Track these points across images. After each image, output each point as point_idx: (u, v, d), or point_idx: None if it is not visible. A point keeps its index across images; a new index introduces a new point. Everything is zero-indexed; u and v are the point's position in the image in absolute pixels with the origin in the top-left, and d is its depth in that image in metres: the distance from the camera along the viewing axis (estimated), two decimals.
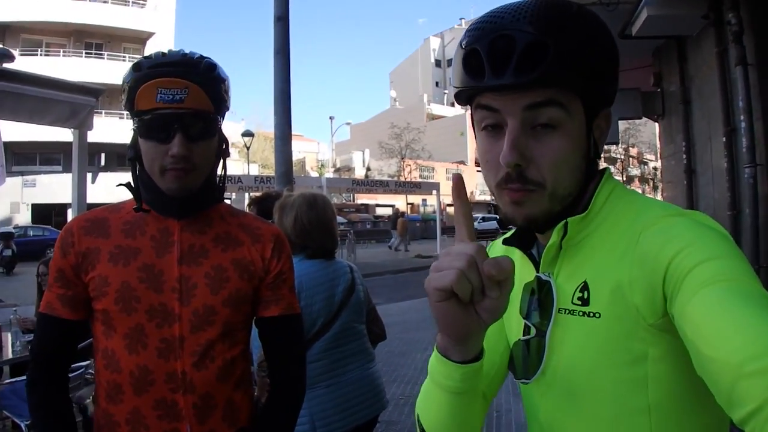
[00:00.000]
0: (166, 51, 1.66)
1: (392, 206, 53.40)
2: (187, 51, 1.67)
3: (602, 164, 1.20)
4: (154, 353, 1.64)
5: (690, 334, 0.84)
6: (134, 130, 1.64)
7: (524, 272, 1.20)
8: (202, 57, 1.67)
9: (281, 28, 8.27)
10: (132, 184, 1.73)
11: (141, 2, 40.51)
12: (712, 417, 1.00)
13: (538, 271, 1.17)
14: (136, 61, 1.63)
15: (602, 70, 1.05)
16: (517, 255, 1.21)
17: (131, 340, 1.63)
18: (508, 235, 1.23)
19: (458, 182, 0.94)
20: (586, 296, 1.06)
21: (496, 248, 1.34)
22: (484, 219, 47.76)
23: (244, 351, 1.84)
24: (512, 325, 1.25)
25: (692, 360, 0.85)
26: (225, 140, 1.78)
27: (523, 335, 1.19)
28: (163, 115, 1.57)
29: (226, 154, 1.81)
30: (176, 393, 1.65)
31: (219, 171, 1.81)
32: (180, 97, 1.56)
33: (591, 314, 1.04)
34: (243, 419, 1.79)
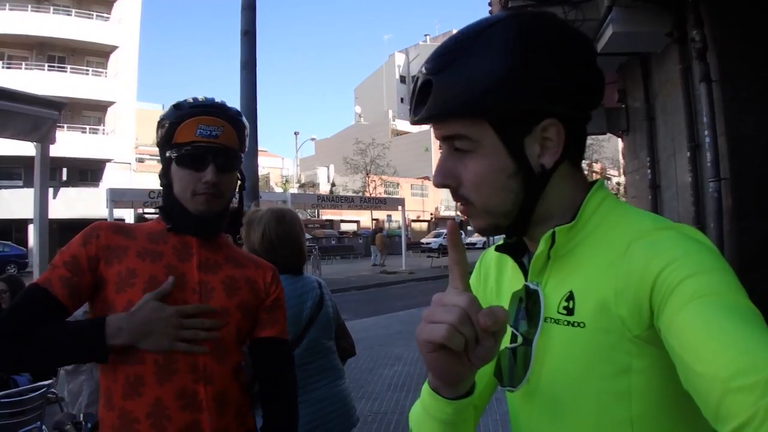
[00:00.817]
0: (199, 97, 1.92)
1: (357, 222, 53.47)
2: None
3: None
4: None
5: (677, 348, 0.84)
6: (168, 159, 1.85)
7: (514, 280, 1.22)
8: (228, 106, 1.95)
9: (248, 42, 8.24)
10: (164, 207, 1.93)
11: (105, 15, 40.20)
12: (696, 429, 0.98)
13: (526, 280, 1.17)
14: (177, 103, 1.88)
15: (505, 92, 1.02)
16: (509, 262, 1.24)
17: None
18: (501, 242, 1.24)
19: (453, 229, 0.98)
20: (571, 306, 1.06)
21: (489, 255, 1.37)
22: None
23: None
24: None
25: (679, 374, 0.85)
26: (243, 176, 2.02)
27: (510, 343, 1.18)
28: (200, 147, 1.81)
29: (242, 188, 2.05)
30: (197, 384, 1.75)
31: (233, 203, 2.04)
32: (216, 133, 1.82)
33: (576, 324, 1.04)
34: (249, 424, 1.92)
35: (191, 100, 1.88)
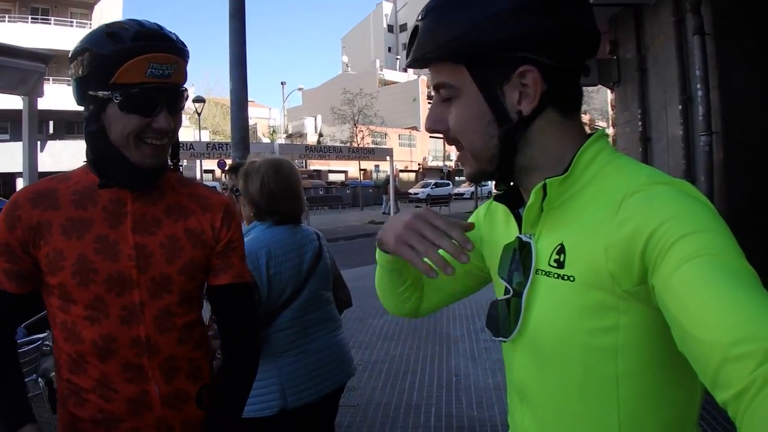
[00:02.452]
0: (135, 19, 1.63)
1: (344, 172, 53.31)
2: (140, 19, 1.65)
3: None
4: (117, 321, 1.65)
5: (673, 309, 0.84)
6: (103, 100, 1.59)
7: (510, 232, 1.22)
8: (173, 34, 1.67)
9: None
10: (95, 158, 1.70)
11: None
12: (682, 389, 1.02)
13: (521, 232, 1.17)
14: (110, 31, 1.57)
15: (482, 38, 1.04)
16: (507, 213, 1.26)
17: (93, 311, 1.63)
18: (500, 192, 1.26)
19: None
20: (562, 259, 1.06)
21: (493, 204, 1.37)
22: (437, 185, 48.18)
23: (200, 315, 1.88)
24: (498, 284, 1.28)
25: (674, 335, 0.85)
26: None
27: (504, 295, 1.19)
28: (151, 89, 1.58)
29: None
30: (141, 357, 1.67)
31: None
32: (168, 72, 1.59)
33: (566, 277, 1.05)
34: (205, 376, 1.84)
35: (129, 28, 1.57)
